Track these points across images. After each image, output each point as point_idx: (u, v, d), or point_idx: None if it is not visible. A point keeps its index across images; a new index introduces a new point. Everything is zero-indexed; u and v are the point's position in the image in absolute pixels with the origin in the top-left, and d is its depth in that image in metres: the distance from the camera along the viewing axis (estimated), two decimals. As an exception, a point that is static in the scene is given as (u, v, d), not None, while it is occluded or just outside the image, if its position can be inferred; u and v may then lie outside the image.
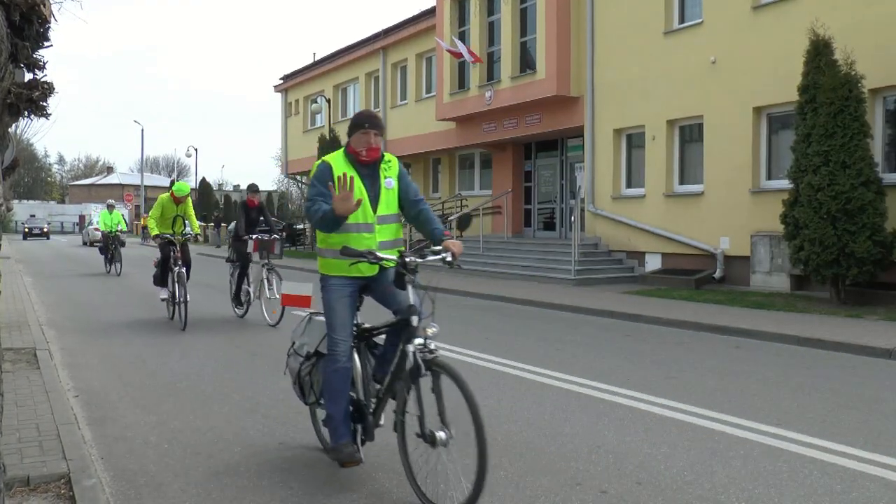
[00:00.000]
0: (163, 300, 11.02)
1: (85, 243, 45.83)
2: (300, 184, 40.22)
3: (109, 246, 19.33)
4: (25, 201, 77.39)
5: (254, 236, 10.42)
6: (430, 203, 20.20)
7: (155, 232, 10.59)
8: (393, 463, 4.43)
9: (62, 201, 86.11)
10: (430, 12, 23.19)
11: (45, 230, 53.94)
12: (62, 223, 71.13)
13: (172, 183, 11.83)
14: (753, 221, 13.77)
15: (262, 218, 11.02)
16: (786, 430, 5.11)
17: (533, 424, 5.31)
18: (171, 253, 10.53)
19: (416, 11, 24.80)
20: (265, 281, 10.44)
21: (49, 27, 3.04)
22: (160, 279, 10.99)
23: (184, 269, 10.27)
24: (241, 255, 10.92)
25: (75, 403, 5.85)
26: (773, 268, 13.33)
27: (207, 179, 56.78)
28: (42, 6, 2.94)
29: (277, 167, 62.56)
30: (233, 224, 12.28)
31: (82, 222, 58.89)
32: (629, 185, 17.13)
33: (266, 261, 10.45)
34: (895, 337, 8.58)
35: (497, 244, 19.33)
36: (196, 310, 12.13)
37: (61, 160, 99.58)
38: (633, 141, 17.05)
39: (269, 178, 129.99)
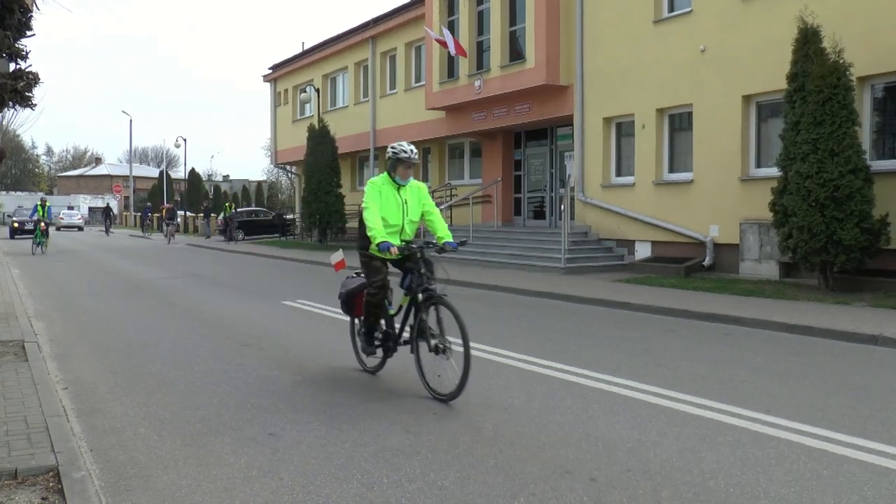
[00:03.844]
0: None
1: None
2: (289, 173, 40.06)
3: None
4: (13, 193, 76.82)
5: None
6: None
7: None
8: (386, 454, 4.44)
9: (50, 192, 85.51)
10: (420, 1, 23.07)
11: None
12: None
13: None
14: (742, 209, 13.82)
15: None
16: (774, 417, 5.14)
17: (523, 412, 5.33)
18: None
19: (405, 0, 24.65)
20: None
21: (31, 16, 3.01)
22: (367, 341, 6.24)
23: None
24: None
25: (64, 395, 5.83)
26: (762, 255, 13.39)
27: (197, 170, 56.59)
28: (24, -5, 2.90)
29: (267, 157, 62.35)
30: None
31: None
32: (619, 174, 17.15)
33: None
34: (881, 323, 8.65)
35: (487, 233, 19.33)
36: (189, 301, 12.11)
37: (49, 151, 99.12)
38: (623, 129, 17.06)
39: (258, 169, 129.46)
